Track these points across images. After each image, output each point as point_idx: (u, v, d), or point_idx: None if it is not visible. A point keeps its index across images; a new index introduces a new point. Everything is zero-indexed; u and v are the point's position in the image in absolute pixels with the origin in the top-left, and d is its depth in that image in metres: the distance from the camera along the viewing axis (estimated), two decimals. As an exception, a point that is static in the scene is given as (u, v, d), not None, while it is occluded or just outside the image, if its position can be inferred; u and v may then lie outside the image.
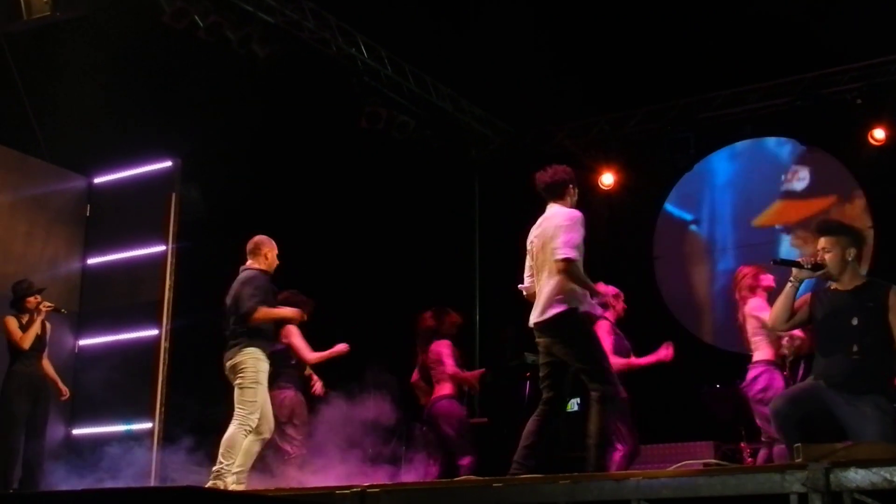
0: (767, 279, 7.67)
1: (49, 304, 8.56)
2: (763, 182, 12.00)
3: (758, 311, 7.48)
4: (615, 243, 11.98)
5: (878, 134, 10.75)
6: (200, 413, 8.19)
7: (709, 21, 10.06)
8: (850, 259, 5.59)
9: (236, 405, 6.93)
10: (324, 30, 10.61)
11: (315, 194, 10.59)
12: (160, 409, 9.04)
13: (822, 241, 5.66)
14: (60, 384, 8.64)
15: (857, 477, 4.34)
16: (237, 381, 6.97)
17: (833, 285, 5.65)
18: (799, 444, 4.88)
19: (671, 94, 11.80)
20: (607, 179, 12.35)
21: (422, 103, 11.86)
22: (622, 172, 12.35)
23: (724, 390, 9.18)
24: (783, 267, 5.82)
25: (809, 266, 5.62)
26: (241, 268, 7.36)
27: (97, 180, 10.42)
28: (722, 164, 12.29)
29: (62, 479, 8.44)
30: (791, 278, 5.70)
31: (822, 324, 5.67)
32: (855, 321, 5.47)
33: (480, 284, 12.86)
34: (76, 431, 9.54)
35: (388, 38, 11.08)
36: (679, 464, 7.14)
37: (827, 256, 5.60)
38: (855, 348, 5.44)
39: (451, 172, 12.66)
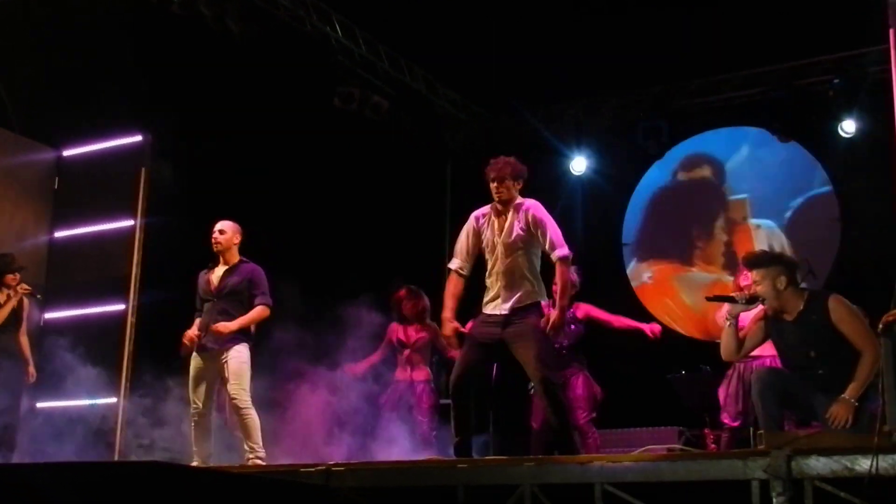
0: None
1: (27, 287, 8.53)
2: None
3: None
4: (586, 229, 12.01)
5: (848, 126, 10.82)
6: (165, 389, 8.16)
7: (684, 8, 10.07)
8: (781, 288, 5.66)
9: None
10: (298, 7, 10.55)
11: (287, 174, 10.54)
12: (125, 384, 9.00)
13: (753, 275, 5.77)
14: (31, 367, 8.61)
15: (819, 465, 4.39)
16: None
17: (781, 315, 5.72)
18: (761, 432, 4.94)
19: (645, 82, 11.82)
20: (579, 165, 12.36)
21: (396, 84, 11.80)
22: (594, 158, 12.36)
23: (689, 376, 9.25)
24: (716, 303, 5.92)
25: (744, 300, 5.78)
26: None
27: (66, 153, 10.33)
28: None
29: (25, 453, 8.40)
30: (727, 315, 5.86)
31: (782, 354, 5.84)
32: (812, 353, 5.55)
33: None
34: (40, 405, 9.47)
35: (363, 17, 11.02)
36: (643, 448, 7.19)
37: (758, 289, 5.71)
38: (820, 372, 5.52)
39: (423, 155, 12.63)
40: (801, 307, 5.62)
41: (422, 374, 8.95)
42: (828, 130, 10.99)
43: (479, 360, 6.21)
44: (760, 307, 5.83)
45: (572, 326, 8.37)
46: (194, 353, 7.19)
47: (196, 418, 7.08)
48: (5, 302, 8.40)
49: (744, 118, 11.85)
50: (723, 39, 10.50)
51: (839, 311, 5.49)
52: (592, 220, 12.22)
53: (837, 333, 5.47)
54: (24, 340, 8.60)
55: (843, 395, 5.34)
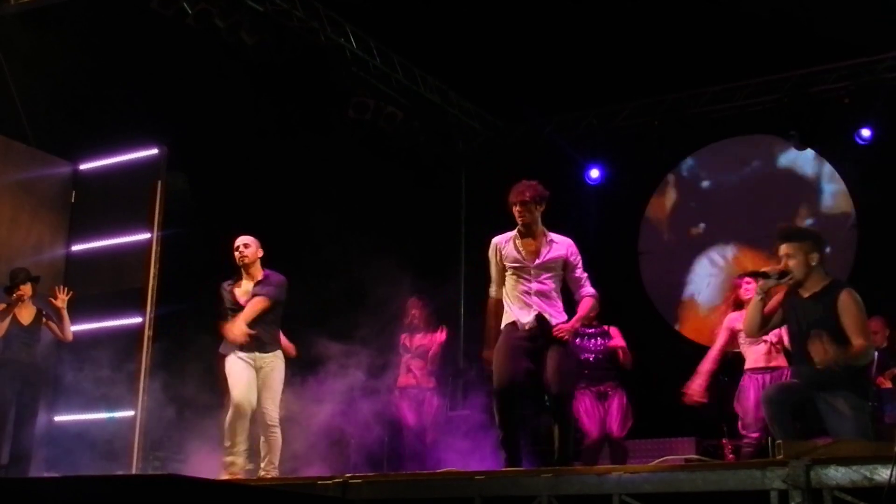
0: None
1: (20, 293, 8.51)
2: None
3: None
4: (601, 238, 11.99)
5: (865, 133, 10.79)
6: (182, 401, 8.17)
7: (698, 17, 10.05)
8: (813, 264, 5.73)
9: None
10: (313, 19, 10.58)
11: (301, 184, 10.55)
12: (142, 396, 9.01)
13: (785, 248, 5.80)
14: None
15: (838, 475, 4.37)
16: None
17: (798, 290, 5.78)
18: (780, 441, 4.92)
19: (660, 90, 11.80)
20: (594, 174, 12.35)
21: (410, 95, 11.83)
22: (609, 167, 12.34)
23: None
24: (753, 278, 5.94)
25: (776, 275, 5.79)
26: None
27: (83, 166, 10.37)
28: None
29: (44, 466, 8.41)
30: (757, 289, 5.91)
31: (789, 331, 5.92)
32: (813, 332, 5.56)
33: (466, 277, 12.85)
34: (58, 418, 9.49)
35: (377, 28, 11.05)
36: (660, 459, 7.15)
37: (791, 263, 5.75)
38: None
39: (438, 165, 12.64)
40: (819, 289, 5.69)
41: (429, 382, 8.99)
42: (844, 137, 10.95)
43: (519, 365, 6.32)
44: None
45: (600, 341, 8.47)
46: (233, 357, 7.21)
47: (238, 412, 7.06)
48: (4, 313, 8.41)
49: (759, 126, 11.82)
50: (737, 47, 10.49)
51: (846, 301, 5.58)
52: (607, 228, 12.19)
53: (842, 328, 5.53)
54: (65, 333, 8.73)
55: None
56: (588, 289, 6.53)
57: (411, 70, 11.77)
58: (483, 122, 12.96)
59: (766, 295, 5.88)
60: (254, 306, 7.22)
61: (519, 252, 6.46)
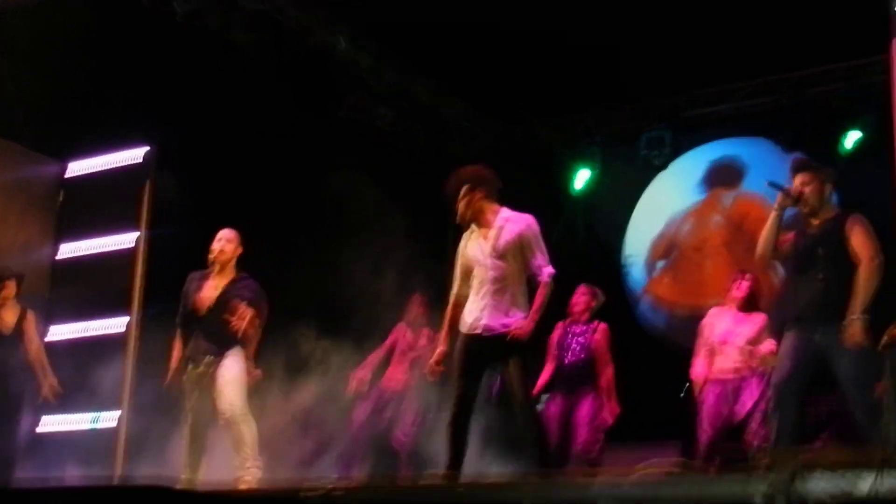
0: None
1: (5, 293, 8.43)
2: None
3: None
4: (589, 243, 11.98)
5: (854, 136, 10.80)
6: (169, 406, 8.11)
7: (697, 22, 10.02)
8: (827, 193, 5.93)
9: None
10: (306, 19, 10.54)
11: (293, 186, 10.52)
12: (128, 400, 8.96)
13: (801, 177, 5.93)
14: (42, 379, 8.41)
15: (823, 482, 4.34)
16: None
17: (809, 219, 5.92)
18: (765, 448, 4.92)
19: (648, 92, 11.78)
20: (583, 175, 12.33)
21: (404, 96, 11.80)
22: (600, 170, 12.32)
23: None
24: (775, 189, 5.97)
25: (795, 195, 5.87)
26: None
27: (72, 166, 10.34)
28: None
29: (26, 473, 8.34)
30: (775, 205, 5.95)
31: (793, 255, 5.96)
32: (820, 251, 5.76)
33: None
34: (41, 422, 9.41)
35: (371, 28, 11.02)
36: (644, 463, 7.14)
37: (807, 189, 5.88)
38: (820, 276, 5.72)
39: (432, 166, 12.59)
40: (830, 216, 5.88)
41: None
42: (833, 141, 10.94)
43: (474, 392, 6.06)
44: None
45: (584, 341, 8.37)
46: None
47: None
48: None
49: (749, 128, 11.81)
50: (729, 48, 10.46)
51: (855, 223, 5.76)
52: (595, 233, 12.18)
53: (850, 254, 5.68)
54: (36, 353, 8.46)
55: (850, 316, 5.51)
56: (548, 269, 6.02)
57: (404, 70, 11.73)
58: (477, 123, 12.93)
59: (782, 212, 5.92)
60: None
61: (478, 246, 6.14)
